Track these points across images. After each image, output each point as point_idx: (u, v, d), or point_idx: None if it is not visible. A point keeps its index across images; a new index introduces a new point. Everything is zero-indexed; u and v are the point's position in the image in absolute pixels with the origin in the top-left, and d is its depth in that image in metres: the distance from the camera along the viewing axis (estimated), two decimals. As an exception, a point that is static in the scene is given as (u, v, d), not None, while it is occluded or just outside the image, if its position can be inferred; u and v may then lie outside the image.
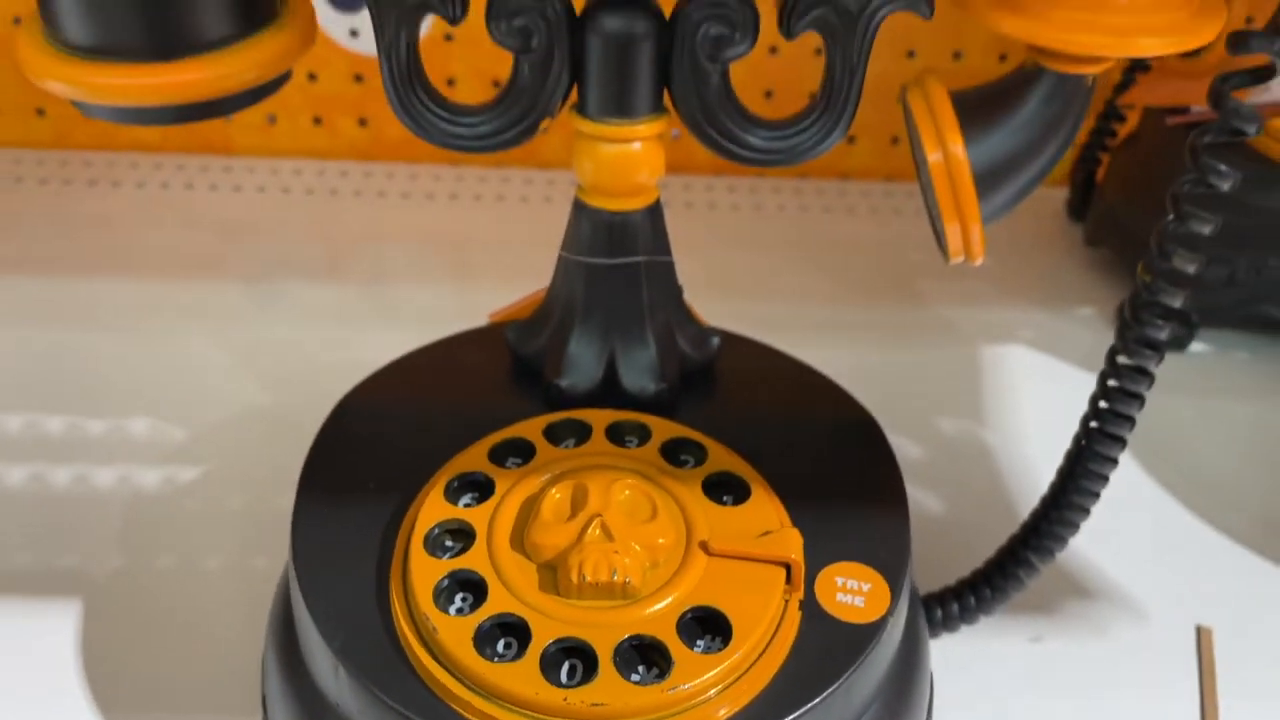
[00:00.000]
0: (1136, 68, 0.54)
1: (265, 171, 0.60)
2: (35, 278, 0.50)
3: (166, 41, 0.23)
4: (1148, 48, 0.24)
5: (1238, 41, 0.27)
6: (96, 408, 0.42)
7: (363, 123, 0.61)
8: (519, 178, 0.60)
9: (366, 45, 0.58)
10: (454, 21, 0.25)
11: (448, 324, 0.35)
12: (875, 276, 0.55)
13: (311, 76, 0.59)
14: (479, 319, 0.34)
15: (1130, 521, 0.40)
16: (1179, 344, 0.50)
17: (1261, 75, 0.27)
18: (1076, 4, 0.23)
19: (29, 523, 0.37)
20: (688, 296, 0.31)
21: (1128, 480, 0.43)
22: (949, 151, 0.25)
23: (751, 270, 0.54)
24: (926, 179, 0.26)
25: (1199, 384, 0.49)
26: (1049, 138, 0.26)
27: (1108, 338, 0.52)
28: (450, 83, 0.59)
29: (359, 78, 0.60)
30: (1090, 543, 0.39)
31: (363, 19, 0.58)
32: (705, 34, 0.25)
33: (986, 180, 0.26)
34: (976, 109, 0.26)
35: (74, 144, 0.61)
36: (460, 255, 0.54)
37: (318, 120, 0.61)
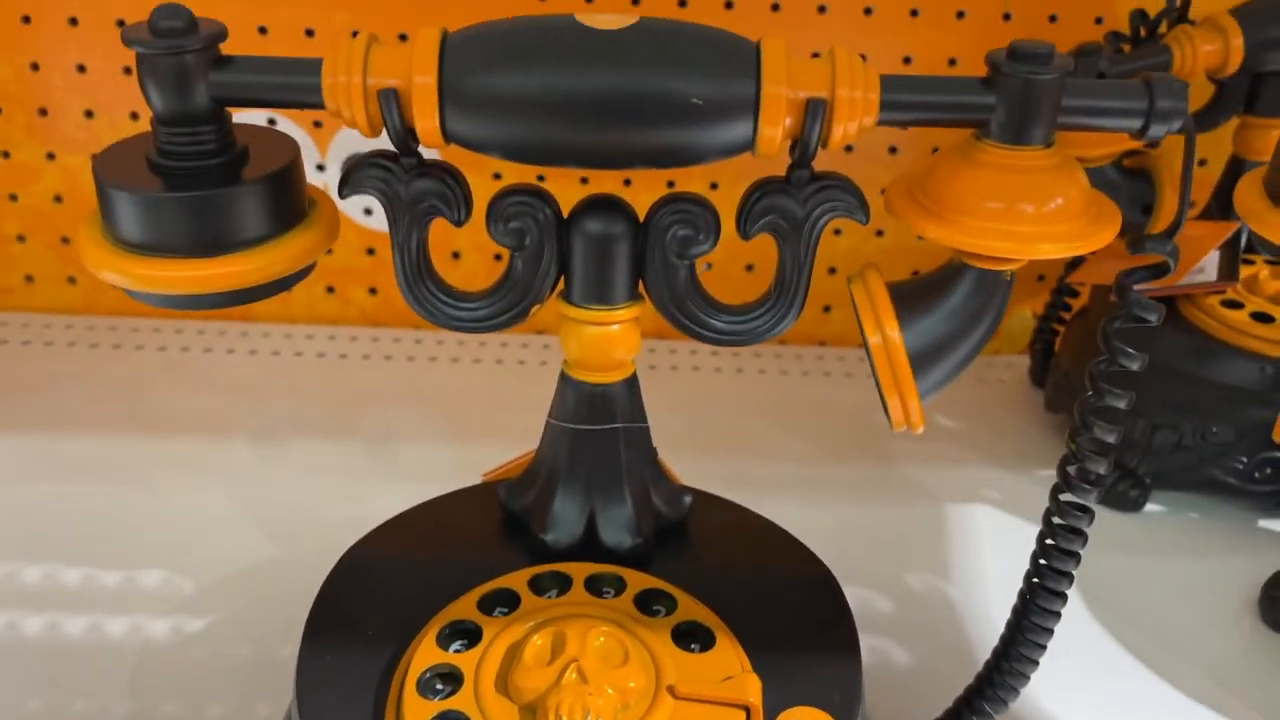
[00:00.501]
0: (1083, 248, 0.59)
1: (280, 336, 0.64)
2: (61, 436, 0.53)
3: (209, 242, 0.27)
4: (1049, 251, 0.28)
5: (1134, 243, 0.31)
6: (112, 560, 0.45)
7: (373, 291, 0.66)
8: (516, 342, 0.64)
9: (378, 222, 0.63)
10: (459, 224, 0.29)
11: (446, 480, 0.38)
12: (849, 437, 0.58)
13: (327, 250, 0.64)
14: (475, 476, 0.37)
15: (1086, 675, 0.43)
16: (1134, 505, 0.53)
17: (1159, 271, 0.31)
18: (987, 215, 0.27)
19: (43, 670, 0.39)
20: (673, 454, 0.34)
21: (1085, 634, 0.45)
22: (886, 335, 0.29)
23: (733, 429, 0.57)
24: (870, 358, 0.30)
25: (1153, 544, 0.51)
26: (975, 323, 0.30)
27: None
28: (455, 255, 0.64)
29: (371, 251, 0.65)
30: (1046, 694, 0.41)
31: (375, 200, 0.63)
32: (674, 235, 0.29)
33: (921, 360, 0.29)
34: (910, 298, 0.30)
35: (102, 310, 0.65)
36: (460, 415, 0.57)
37: (331, 289, 0.65)
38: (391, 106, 0.27)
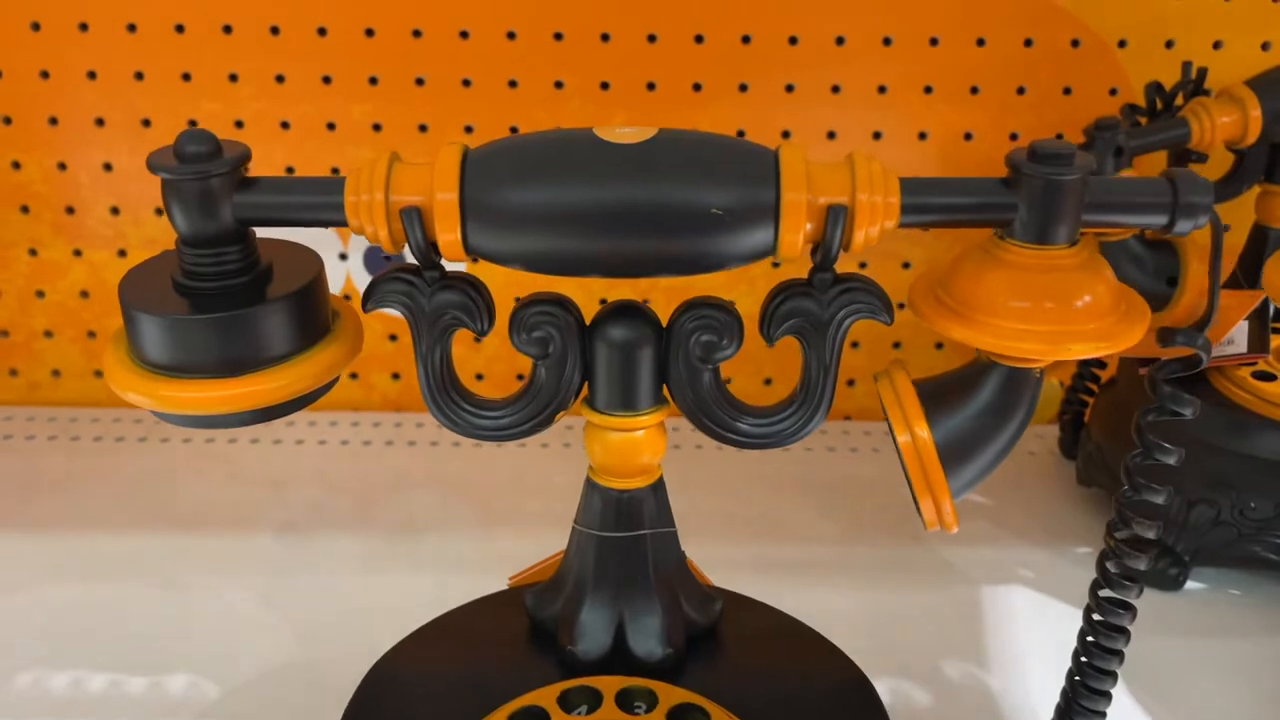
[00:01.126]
0: (1108, 318, 0.58)
1: (303, 424, 0.64)
2: (86, 534, 0.53)
3: (235, 361, 0.27)
4: (1079, 352, 0.27)
5: (1165, 336, 0.31)
6: (137, 664, 0.44)
7: (395, 376, 0.66)
8: (538, 425, 0.64)
9: (398, 309, 0.64)
10: (481, 335, 0.29)
11: (471, 570, 0.37)
12: (877, 516, 0.57)
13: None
14: (499, 565, 0.36)
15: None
16: (1174, 583, 0.52)
17: (1191, 365, 0.30)
18: (1013, 315, 0.27)
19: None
20: (698, 535, 0.33)
21: (1128, 718, 0.44)
22: (915, 435, 0.29)
23: (758, 508, 0.57)
24: (900, 459, 0.29)
25: (1194, 623, 0.50)
26: (1006, 420, 0.29)
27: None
28: (479, 378, 0.64)
29: (393, 337, 0.65)
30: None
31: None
32: (697, 340, 0.29)
33: (951, 458, 0.29)
34: (938, 396, 0.29)
35: (128, 403, 0.66)
36: (483, 502, 0.57)
37: (354, 375, 0.66)
38: (414, 223, 0.27)
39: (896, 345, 0.65)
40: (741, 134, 0.60)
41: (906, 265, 0.63)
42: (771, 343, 0.29)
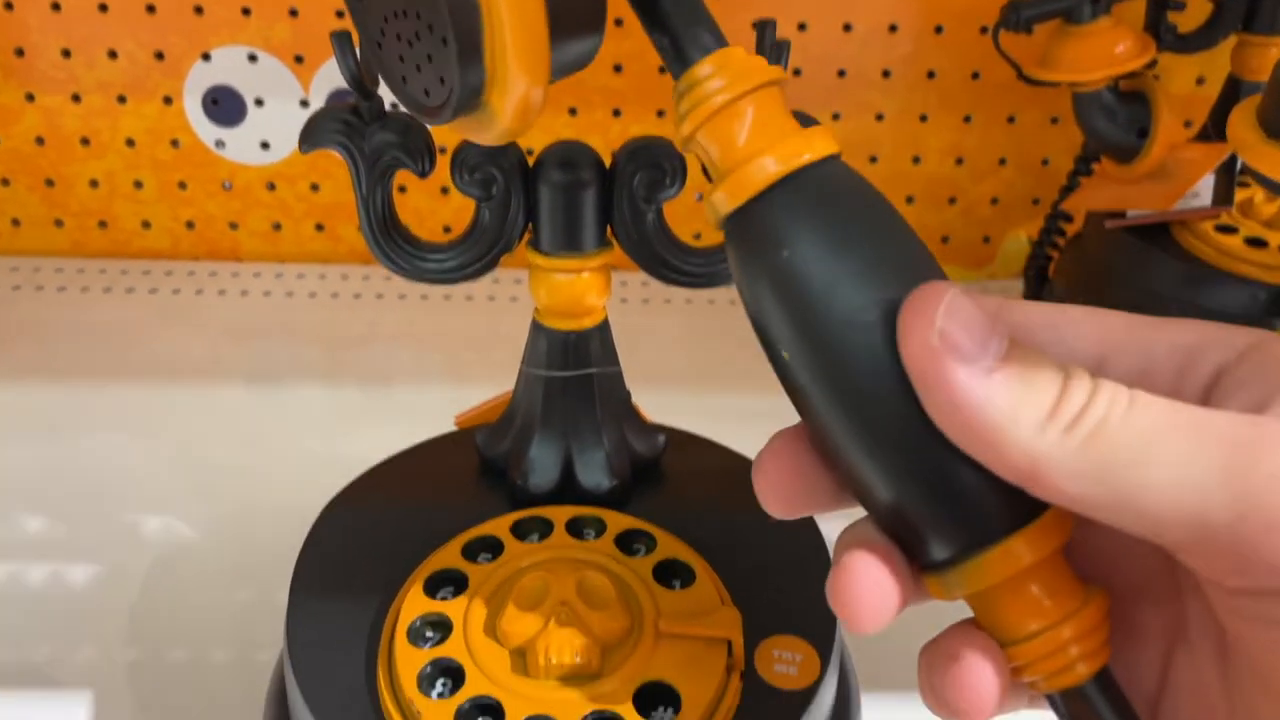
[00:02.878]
0: (1080, 173, 0.58)
1: (270, 276, 0.64)
2: (54, 384, 0.54)
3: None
4: None
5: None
6: (109, 507, 0.46)
7: (371, 253, 0.66)
8: (509, 278, 0.64)
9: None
10: (423, 175, 0.29)
11: (441, 419, 0.38)
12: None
13: (314, 187, 0.64)
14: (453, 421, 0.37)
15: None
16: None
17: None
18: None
19: (47, 619, 0.40)
20: (645, 388, 0.34)
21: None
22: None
23: (705, 362, 0.56)
24: None
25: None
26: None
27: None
28: (446, 229, 0.64)
29: (358, 192, 0.64)
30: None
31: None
32: (640, 180, 0.29)
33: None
34: None
35: (89, 252, 0.65)
36: (453, 354, 0.58)
37: (320, 227, 0.65)
38: (345, 48, 0.26)
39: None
40: None
41: (880, 117, 0.62)
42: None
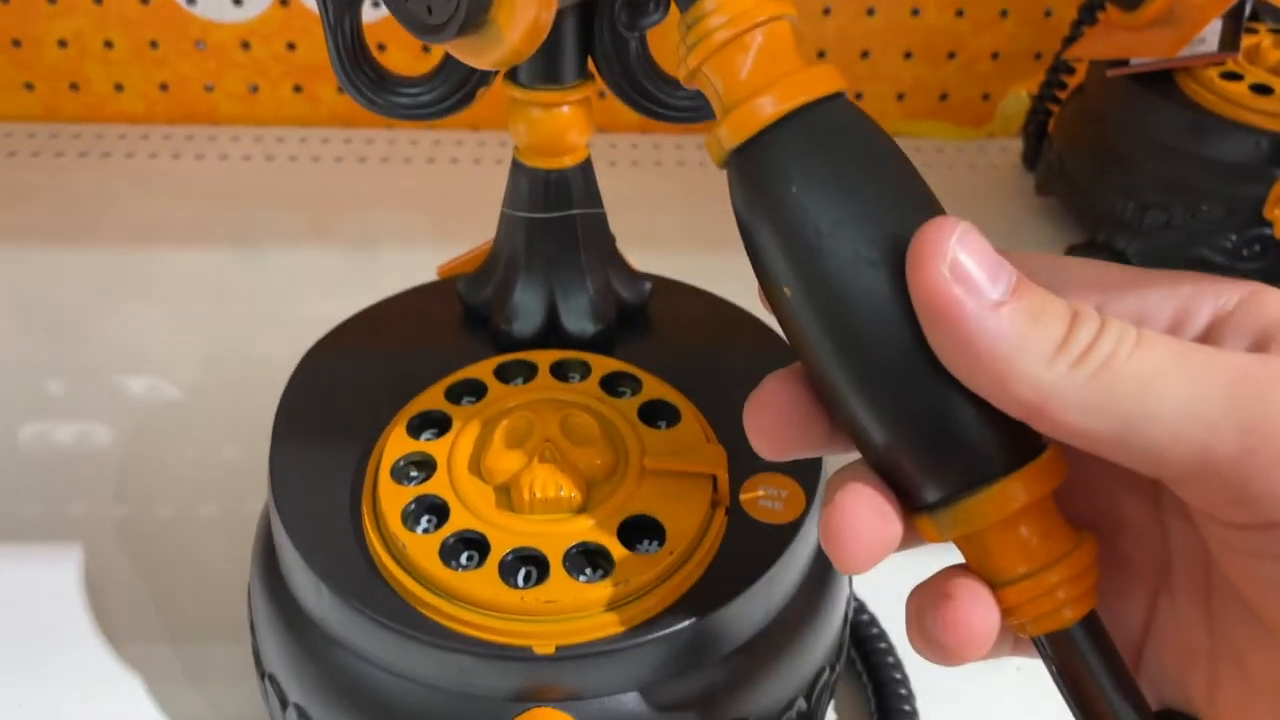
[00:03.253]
0: (1084, 22, 0.56)
1: (250, 140, 0.62)
2: (32, 249, 0.53)
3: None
4: None
5: None
6: (94, 368, 0.46)
7: (342, 89, 0.64)
8: (494, 140, 0.63)
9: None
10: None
11: (425, 280, 0.37)
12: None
13: (291, 46, 0.62)
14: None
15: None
16: (1120, 285, 0.53)
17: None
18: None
19: (37, 477, 0.41)
20: (635, 248, 0.34)
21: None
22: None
23: (695, 223, 0.55)
24: None
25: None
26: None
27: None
28: (380, 48, 0.61)
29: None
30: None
31: None
32: (622, 5, 0.28)
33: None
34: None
35: (62, 117, 0.63)
36: (438, 216, 0.57)
37: (298, 88, 0.63)
38: None
39: (865, 55, 0.63)
40: None
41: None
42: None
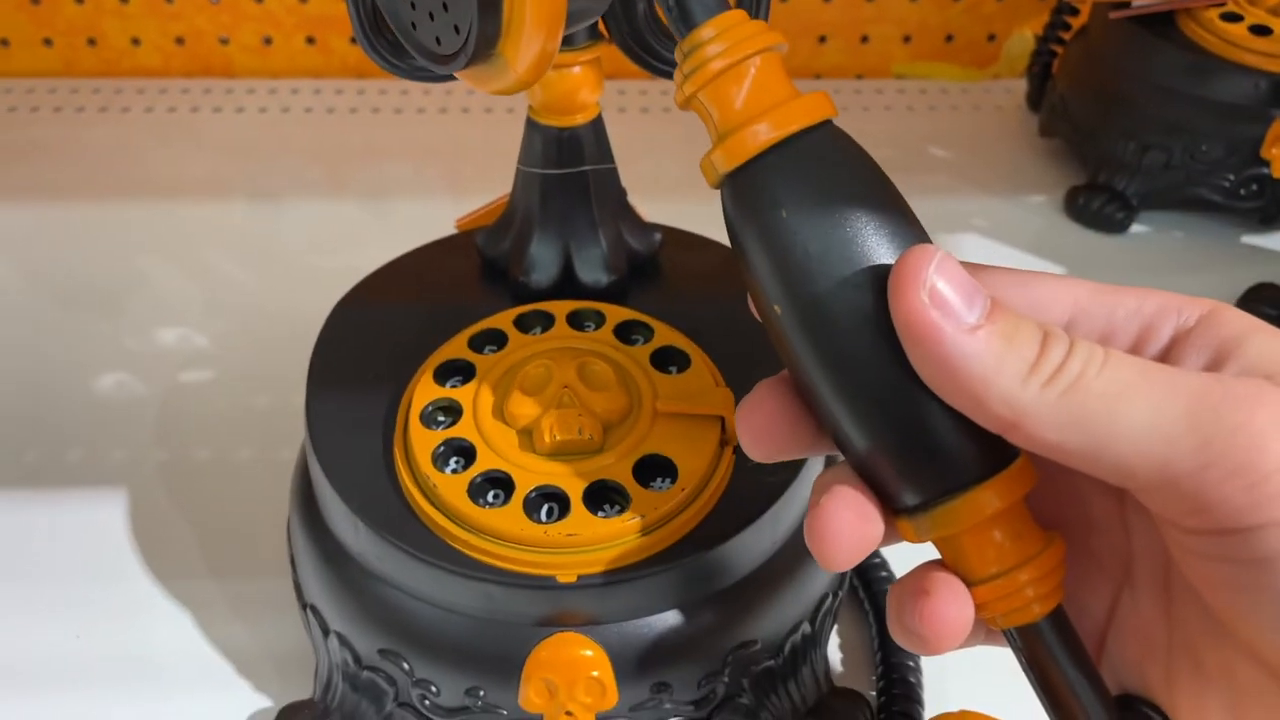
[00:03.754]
0: (1087, -39, 0.56)
1: (264, 92, 0.64)
2: (59, 203, 0.54)
3: None
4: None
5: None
6: (126, 320, 0.47)
7: (355, 41, 0.65)
8: (504, 93, 0.64)
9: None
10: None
11: (439, 231, 0.39)
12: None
13: None
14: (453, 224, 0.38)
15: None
16: (1120, 226, 0.54)
17: None
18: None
19: (78, 425, 0.43)
20: (644, 196, 0.35)
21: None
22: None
23: (695, 170, 0.57)
24: None
25: (1138, 263, 0.53)
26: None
27: (1056, 223, 0.57)
28: None
29: None
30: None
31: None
32: (630, -32, 0.29)
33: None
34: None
35: (81, 72, 0.65)
36: (452, 166, 0.58)
37: (311, 40, 0.64)
38: None
39: None
40: None
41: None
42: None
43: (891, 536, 0.22)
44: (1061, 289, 0.21)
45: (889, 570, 0.36)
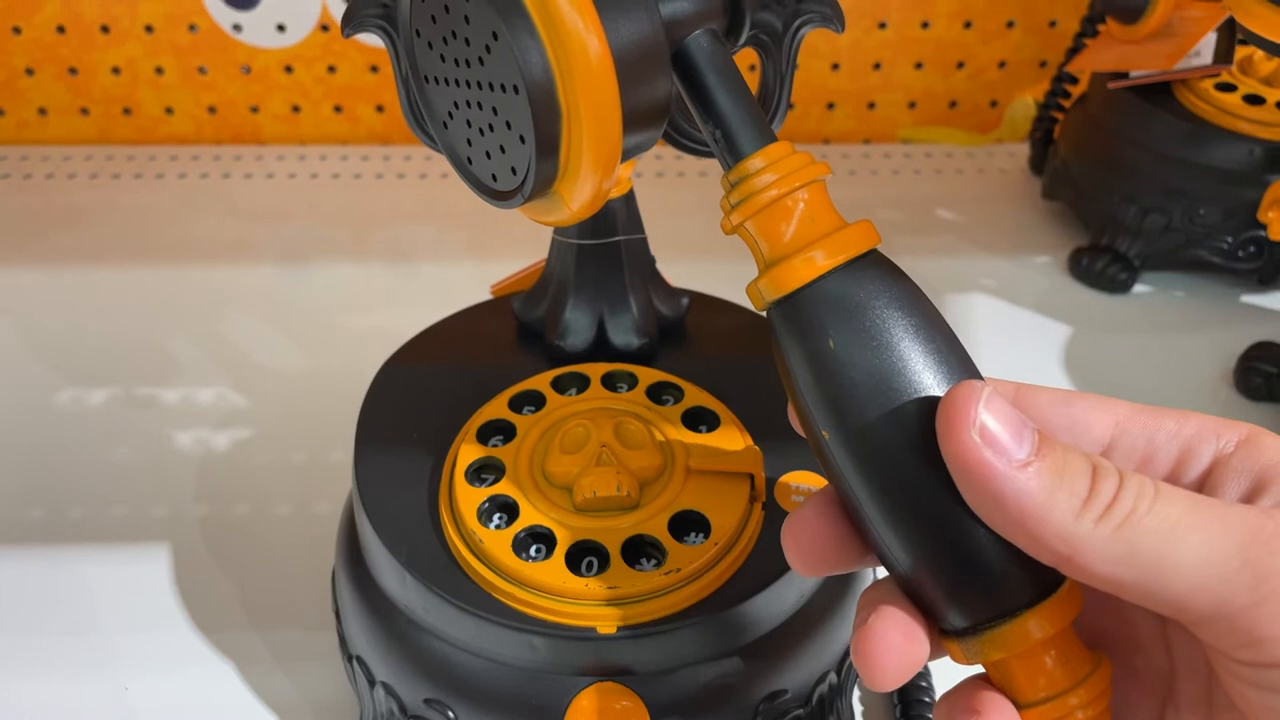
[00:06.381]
0: (1085, 34, 0.59)
1: (293, 159, 0.66)
2: (96, 267, 0.56)
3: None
4: None
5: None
6: (163, 380, 0.49)
7: (380, 109, 0.67)
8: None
9: (380, 39, 0.64)
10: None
11: (465, 293, 0.40)
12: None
13: (331, 69, 0.65)
14: (489, 290, 0.40)
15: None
16: (1123, 287, 0.56)
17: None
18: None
19: (122, 482, 0.44)
20: (668, 258, 0.37)
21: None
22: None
23: (710, 231, 0.59)
24: None
25: (1139, 323, 0.54)
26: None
27: (1060, 283, 0.58)
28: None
29: (374, 68, 0.66)
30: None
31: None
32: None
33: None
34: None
35: (116, 140, 0.67)
36: (474, 230, 0.60)
37: (338, 109, 0.67)
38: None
39: (877, 66, 0.66)
40: None
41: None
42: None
43: (939, 652, 0.22)
44: (1102, 409, 0.22)
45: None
